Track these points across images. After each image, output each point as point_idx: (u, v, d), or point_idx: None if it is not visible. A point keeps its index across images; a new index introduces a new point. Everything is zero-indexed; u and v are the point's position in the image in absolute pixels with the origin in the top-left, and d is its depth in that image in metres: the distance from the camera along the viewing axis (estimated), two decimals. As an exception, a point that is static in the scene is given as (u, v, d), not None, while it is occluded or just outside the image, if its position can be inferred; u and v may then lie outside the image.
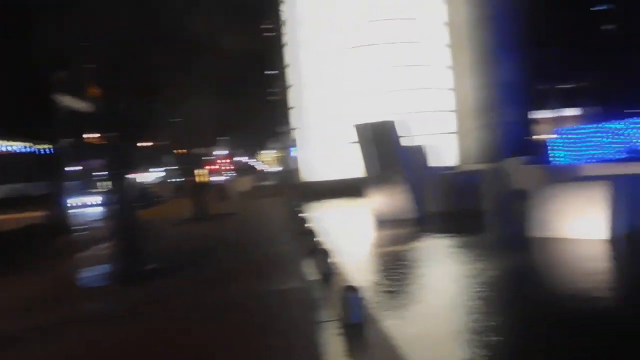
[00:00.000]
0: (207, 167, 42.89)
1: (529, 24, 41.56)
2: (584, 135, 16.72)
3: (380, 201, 15.81)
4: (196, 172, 21.14)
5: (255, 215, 21.33)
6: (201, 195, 20.64)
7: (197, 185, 21.17)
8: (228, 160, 66.92)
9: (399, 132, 16.33)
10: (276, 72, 40.10)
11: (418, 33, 33.04)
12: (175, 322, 6.66)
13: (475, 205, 15.75)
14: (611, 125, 15.65)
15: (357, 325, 5.33)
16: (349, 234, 14.72)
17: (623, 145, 15.08)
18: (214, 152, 57.50)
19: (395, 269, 8.97)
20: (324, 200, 25.61)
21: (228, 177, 56.39)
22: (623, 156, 14.92)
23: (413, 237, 12.80)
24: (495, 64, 36.43)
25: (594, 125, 16.33)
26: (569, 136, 17.47)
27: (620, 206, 9.45)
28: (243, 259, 11.14)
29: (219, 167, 62.28)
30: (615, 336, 5.06)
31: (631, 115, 15.24)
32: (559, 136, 18.15)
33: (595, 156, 16.13)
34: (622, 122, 15.34)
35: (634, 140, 14.64)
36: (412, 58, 32.17)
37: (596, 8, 51.33)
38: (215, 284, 8.76)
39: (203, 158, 30.44)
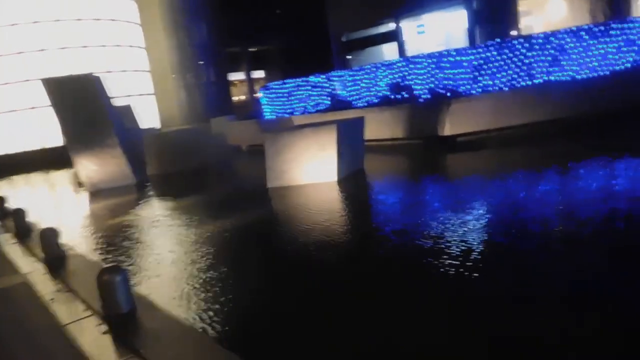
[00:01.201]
0: None
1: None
2: (289, 90, 17.54)
3: (91, 169, 13.67)
4: None
5: None
6: None
7: None
8: None
9: (102, 89, 14.26)
10: None
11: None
12: None
13: (197, 164, 15.11)
14: (313, 79, 16.74)
15: (129, 314, 4.09)
16: (63, 211, 12.37)
17: (326, 97, 16.33)
18: None
19: (131, 242, 7.61)
20: (18, 176, 21.78)
21: None
22: (326, 106, 16.18)
23: (137, 204, 11.39)
24: (188, 24, 35.94)
25: (298, 80, 17.23)
26: (275, 92, 18.13)
27: (342, 149, 10.04)
28: None
29: None
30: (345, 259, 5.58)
31: (313, 74, 16.58)
32: (265, 92, 18.68)
33: (302, 108, 17.15)
34: (322, 75, 16.55)
35: (335, 91, 15.98)
36: (95, 12, 28.80)
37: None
38: None
39: None
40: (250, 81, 49.84)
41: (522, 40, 13.15)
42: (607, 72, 13.04)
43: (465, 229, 5.81)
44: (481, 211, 6.66)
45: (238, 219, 8.20)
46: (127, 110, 17.54)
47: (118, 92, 27.21)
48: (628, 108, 11.74)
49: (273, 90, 18.16)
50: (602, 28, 13.00)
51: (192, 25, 35.92)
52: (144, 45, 31.63)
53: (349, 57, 21.55)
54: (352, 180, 10.06)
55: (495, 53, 13.09)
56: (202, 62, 36.90)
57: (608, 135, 10.69)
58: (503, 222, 6.14)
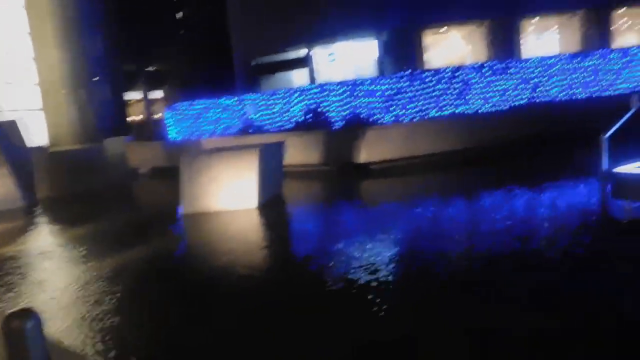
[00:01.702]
0: None
1: (112, 5, 40.27)
2: (197, 112, 16.87)
3: (-31, 190, 12.06)
4: None
5: None
6: None
7: None
8: None
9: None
10: None
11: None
12: None
13: (94, 187, 13.95)
14: (224, 101, 16.24)
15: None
16: None
17: (237, 120, 15.87)
18: None
19: (20, 279, 6.61)
20: None
21: None
22: (237, 129, 15.71)
23: (26, 232, 10.14)
24: (83, 36, 33.74)
25: (207, 101, 16.63)
26: (183, 113, 17.35)
27: (263, 174, 9.68)
28: None
29: None
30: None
31: (218, 96, 16.30)
32: (172, 113, 17.82)
33: (211, 131, 16.53)
34: (234, 98, 16.11)
35: (246, 115, 15.57)
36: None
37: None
38: None
39: None
40: (148, 101, 47.80)
41: (431, 73, 13.69)
42: (506, 107, 13.92)
43: (379, 253, 6.12)
44: (392, 236, 6.98)
45: (148, 249, 7.50)
46: (11, 126, 15.81)
47: (2, 106, 24.80)
48: (524, 140, 12.67)
49: (180, 111, 17.37)
50: (503, 66, 13.92)
51: (87, 38, 33.78)
52: (33, 56, 29.08)
53: (258, 81, 21.29)
54: (271, 206, 9.70)
55: (407, 84, 13.50)
56: (97, 79, 34.72)
57: (505, 164, 11.43)
58: (411, 246, 6.53)
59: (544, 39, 19.79)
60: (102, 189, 14.28)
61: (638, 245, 5.47)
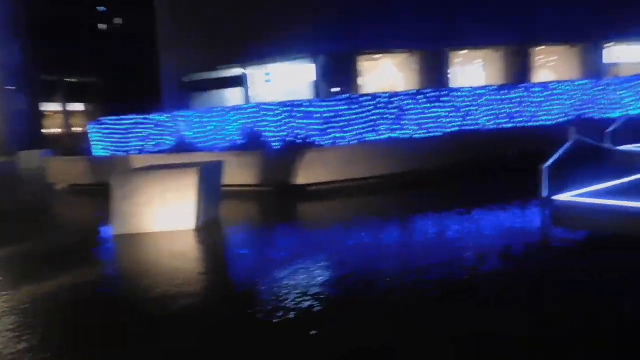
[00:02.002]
0: None
1: (33, 12, 38.18)
2: (126, 127, 16.12)
3: None
4: None
5: None
6: None
7: None
8: None
9: None
10: None
11: None
12: None
13: (6, 205, 12.87)
14: (155, 117, 15.64)
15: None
16: None
17: (169, 137, 15.31)
18: None
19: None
20: None
21: None
22: (169, 147, 15.15)
23: None
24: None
25: (137, 117, 15.95)
26: (110, 127, 16.53)
27: (201, 194, 9.31)
28: None
29: None
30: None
31: (133, 112, 15.85)
32: (97, 127, 16.93)
33: (140, 147, 15.83)
34: (166, 114, 15.56)
35: (179, 132, 15.05)
36: None
37: (101, 9, 51.91)
38: None
39: None
40: (67, 113, 45.38)
41: (369, 97, 13.90)
42: (439, 133, 14.37)
43: (320, 278, 6.16)
44: (333, 259, 7.01)
45: (75, 276, 6.89)
46: None
47: None
48: (457, 166, 13.18)
49: (107, 126, 16.53)
50: (437, 94, 14.40)
51: (3, 46, 31.60)
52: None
53: (189, 98, 20.74)
54: (210, 228, 9.33)
55: (345, 107, 13.60)
56: (12, 88, 32.50)
57: (444, 188, 11.90)
58: (344, 270, 6.47)
59: (470, 70, 20.83)
60: (18, 208, 13.20)
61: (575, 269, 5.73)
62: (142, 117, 15.80)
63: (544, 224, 6.98)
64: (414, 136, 14.14)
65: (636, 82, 16.74)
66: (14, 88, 32.99)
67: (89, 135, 17.39)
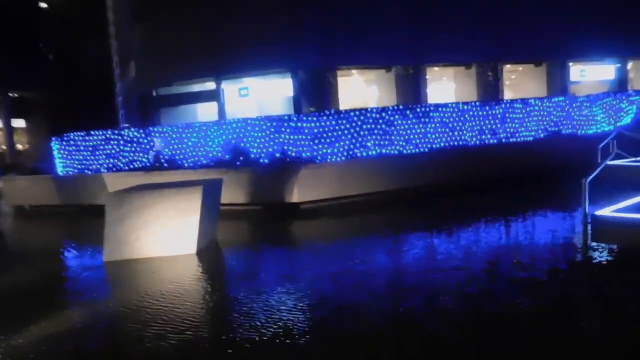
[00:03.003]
0: None
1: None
2: (95, 143, 15.02)
3: None
4: None
5: None
6: None
7: None
8: None
9: None
10: None
11: None
12: None
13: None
14: (128, 133, 14.65)
15: None
16: None
17: (143, 154, 14.34)
18: None
19: None
20: None
21: None
22: (144, 165, 14.19)
23: None
24: None
25: (107, 132, 14.90)
26: (75, 144, 15.37)
27: (203, 215, 8.57)
28: None
29: None
30: None
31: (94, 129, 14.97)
32: (61, 144, 15.71)
33: (110, 165, 14.76)
34: (139, 129, 14.61)
35: (154, 148, 14.12)
36: None
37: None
38: None
39: None
40: (9, 130, 42.60)
41: (358, 113, 13.53)
42: (426, 149, 14.15)
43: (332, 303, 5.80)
44: (343, 280, 6.60)
45: (71, 313, 6.04)
46: None
47: None
48: (445, 182, 13.04)
49: (72, 142, 15.37)
50: (425, 109, 14.22)
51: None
52: None
53: (155, 114, 19.68)
54: (210, 252, 8.62)
55: (334, 122, 13.17)
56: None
57: (426, 206, 11.70)
58: (357, 290, 6.18)
59: (441, 86, 20.92)
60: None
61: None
62: (112, 132, 14.78)
63: (585, 239, 6.72)
64: (403, 152, 13.86)
65: (606, 100, 17.23)
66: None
67: (53, 152, 16.11)
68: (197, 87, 19.31)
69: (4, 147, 42.94)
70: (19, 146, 46.68)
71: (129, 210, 8.02)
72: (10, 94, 42.75)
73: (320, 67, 17.32)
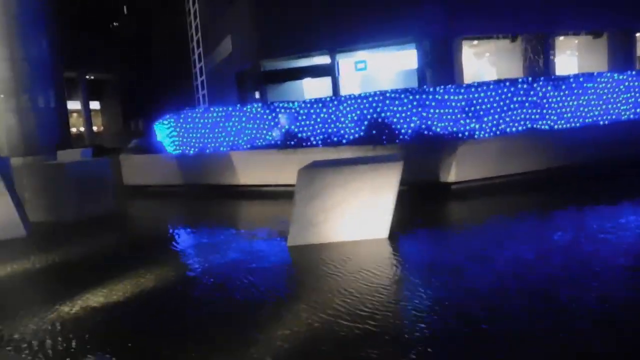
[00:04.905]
0: None
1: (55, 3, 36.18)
2: (214, 120, 14.32)
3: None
4: None
5: None
6: None
7: None
8: None
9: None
10: None
11: None
12: None
13: (102, 210, 11.10)
14: (250, 109, 13.85)
15: None
16: None
17: (267, 131, 13.53)
18: None
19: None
20: None
21: None
22: (269, 142, 13.38)
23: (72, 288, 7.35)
24: (25, 34, 29.53)
25: (228, 108, 14.17)
26: (192, 121, 14.72)
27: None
28: None
29: None
30: None
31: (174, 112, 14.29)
32: (174, 121, 15.12)
33: (230, 143, 14.04)
34: (263, 105, 13.79)
35: (281, 125, 13.26)
36: None
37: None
38: None
39: None
40: (87, 112, 43.28)
41: (507, 84, 12.22)
42: (579, 124, 12.73)
43: None
44: None
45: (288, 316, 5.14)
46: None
47: None
48: (606, 160, 11.63)
49: (190, 119, 14.73)
50: (578, 80, 12.79)
51: (31, 37, 29.55)
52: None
53: (257, 92, 18.88)
54: (397, 237, 7.58)
55: (482, 95, 11.92)
56: (42, 84, 30.39)
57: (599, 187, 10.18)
58: None
59: (566, 57, 19.20)
60: (119, 213, 11.52)
61: None
62: (234, 108, 14.02)
63: None
64: (554, 127, 12.50)
65: None
66: (42, 84, 30.89)
67: (159, 130, 15.54)
68: (303, 62, 18.36)
69: (82, 128, 43.73)
70: (94, 128, 47.49)
71: (320, 189, 7.11)
72: (87, 77, 43.35)
73: (446, 37, 15.98)
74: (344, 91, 16.96)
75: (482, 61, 18.03)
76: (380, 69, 17.47)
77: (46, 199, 11.18)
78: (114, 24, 53.36)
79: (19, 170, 12.59)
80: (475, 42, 17.51)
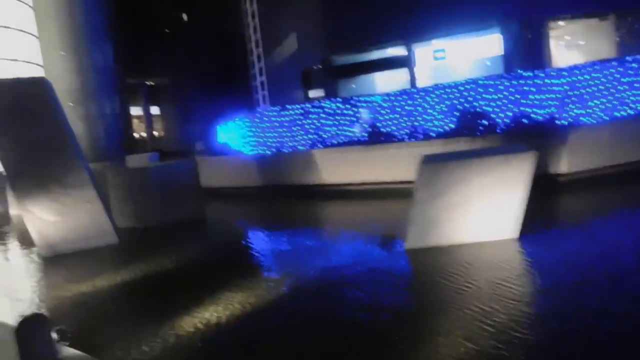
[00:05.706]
0: None
1: (127, 12, 37.06)
2: (292, 118, 13.82)
3: (47, 220, 8.68)
4: None
5: None
6: None
7: None
8: None
9: (57, 99, 9.56)
10: None
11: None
12: None
13: (189, 215, 10.72)
14: (330, 104, 13.24)
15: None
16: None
17: (349, 127, 12.88)
18: None
19: None
20: None
21: None
22: (352, 139, 12.75)
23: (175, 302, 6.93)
24: (90, 44, 30.24)
25: (306, 105, 13.64)
26: (269, 119, 14.28)
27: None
28: None
29: None
30: None
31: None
32: (249, 121, 14.73)
33: (310, 141, 13.49)
34: (342, 100, 13.18)
35: (363, 120, 12.60)
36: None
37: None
38: None
39: None
40: (149, 116, 44.12)
41: (614, 64, 11.11)
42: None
43: None
44: None
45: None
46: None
47: None
48: None
49: (266, 118, 14.29)
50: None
51: (96, 48, 30.24)
52: (41, 62, 25.33)
53: (326, 88, 18.26)
54: (537, 237, 6.74)
55: (587, 77, 10.86)
56: (108, 91, 31.17)
57: None
58: None
59: None
60: (202, 217, 11.17)
61: None
62: (312, 105, 13.48)
63: None
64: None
65: None
66: (106, 91, 31.66)
67: (225, 132, 15.15)
68: (376, 55, 17.63)
69: (143, 133, 44.57)
70: (155, 132, 48.35)
71: (445, 185, 6.39)
72: (148, 82, 44.17)
73: (535, 18, 14.85)
74: (420, 83, 16.13)
75: (570, 43, 16.74)
76: (460, 57, 16.52)
77: (130, 204, 10.94)
78: (170, 29, 54.19)
79: (100, 175, 12.48)
80: (562, 22, 16.22)
